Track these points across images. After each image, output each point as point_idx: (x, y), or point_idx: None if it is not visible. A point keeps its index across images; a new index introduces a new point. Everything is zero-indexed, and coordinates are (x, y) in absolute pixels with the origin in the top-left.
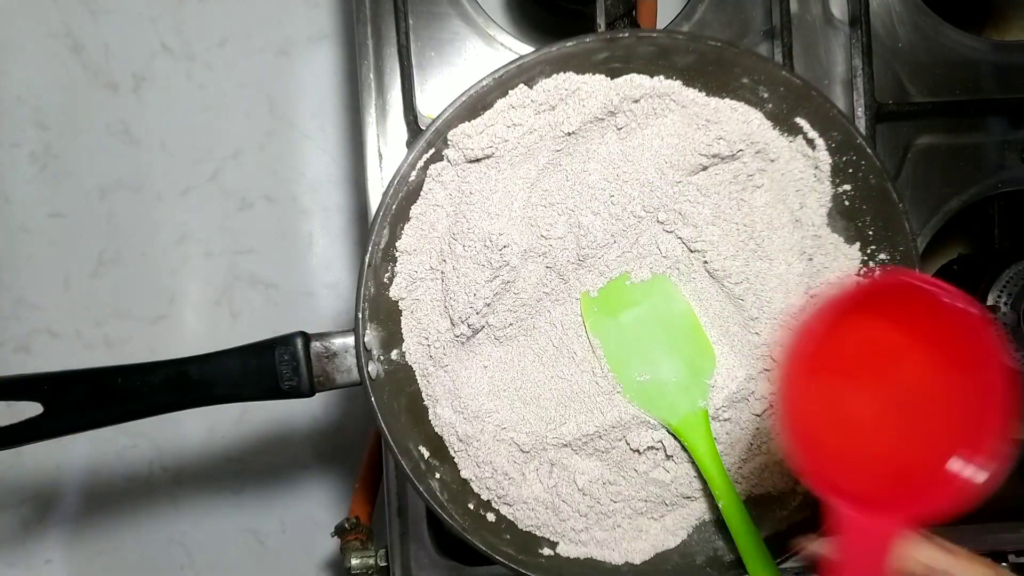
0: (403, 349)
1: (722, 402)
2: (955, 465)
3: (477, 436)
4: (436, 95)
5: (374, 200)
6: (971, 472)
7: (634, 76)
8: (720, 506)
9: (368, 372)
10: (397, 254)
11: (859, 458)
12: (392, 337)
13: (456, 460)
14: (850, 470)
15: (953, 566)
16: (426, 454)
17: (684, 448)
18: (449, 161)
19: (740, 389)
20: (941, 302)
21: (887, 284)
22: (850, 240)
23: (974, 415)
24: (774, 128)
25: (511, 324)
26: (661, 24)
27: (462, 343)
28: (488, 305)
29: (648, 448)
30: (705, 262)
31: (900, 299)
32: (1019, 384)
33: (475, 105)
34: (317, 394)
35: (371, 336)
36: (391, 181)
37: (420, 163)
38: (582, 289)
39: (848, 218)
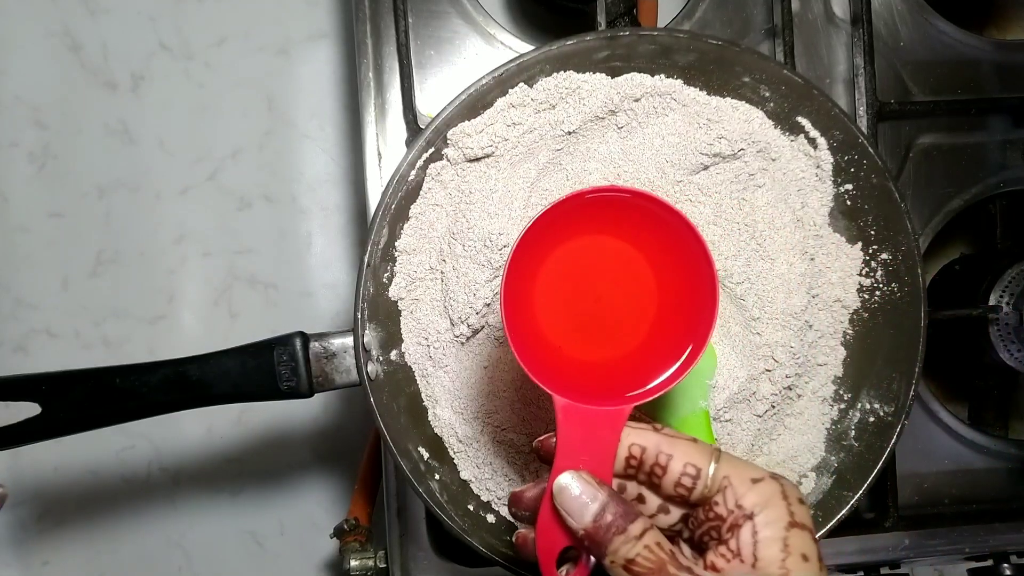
0: (402, 349)
1: (723, 403)
2: (667, 363)
3: (477, 437)
4: (436, 94)
5: (373, 200)
6: (677, 366)
7: (635, 75)
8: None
9: (367, 372)
10: (396, 254)
11: (588, 359)
12: (391, 337)
13: (456, 461)
14: (579, 370)
15: (662, 442)
16: (425, 455)
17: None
18: (449, 160)
19: (741, 390)
20: (654, 212)
21: (590, 195)
22: (852, 240)
23: (689, 314)
24: (776, 127)
25: None
26: (662, 22)
27: (462, 343)
28: (488, 305)
29: None
30: None
31: (623, 215)
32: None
33: (475, 104)
34: (316, 394)
35: (370, 336)
36: (390, 180)
37: (419, 162)
38: None
39: (850, 218)
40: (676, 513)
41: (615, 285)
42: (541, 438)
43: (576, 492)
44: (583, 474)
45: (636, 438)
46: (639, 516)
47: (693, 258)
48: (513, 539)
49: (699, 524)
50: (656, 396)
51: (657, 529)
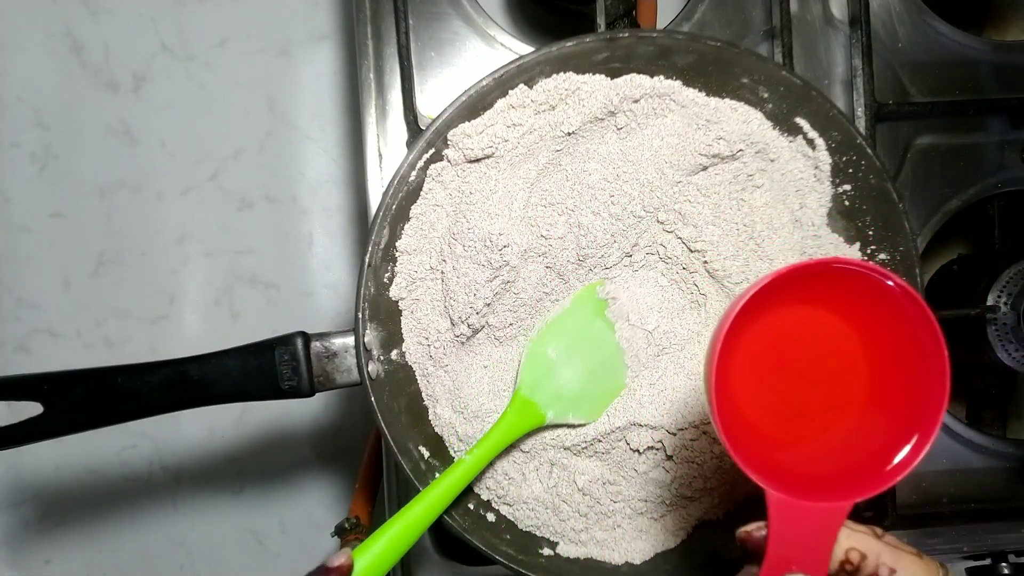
0: (403, 349)
1: None
2: (888, 451)
3: (477, 436)
4: (436, 95)
5: (374, 200)
6: (901, 456)
7: (634, 76)
8: (465, 458)
9: (368, 372)
10: (397, 254)
11: (795, 444)
12: (392, 337)
13: (456, 459)
14: (787, 456)
15: (884, 553)
16: (426, 454)
17: (685, 448)
18: (449, 161)
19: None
20: (882, 286)
21: (818, 267)
22: (850, 240)
23: (910, 399)
24: (774, 128)
25: (511, 324)
26: (661, 24)
27: (462, 343)
28: (488, 305)
29: (648, 448)
30: (705, 262)
31: (838, 285)
32: (949, 374)
33: (475, 105)
34: (317, 394)
35: (371, 336)
36: (391, 181)
37: (420, 163)
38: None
39: (848, 218)
40: None
41: (822, 363)
42: (749, 529)
43: None
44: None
45: (856, 542)
46: None
47: (916, 336)
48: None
49: None
50: (882, 491)
51: None
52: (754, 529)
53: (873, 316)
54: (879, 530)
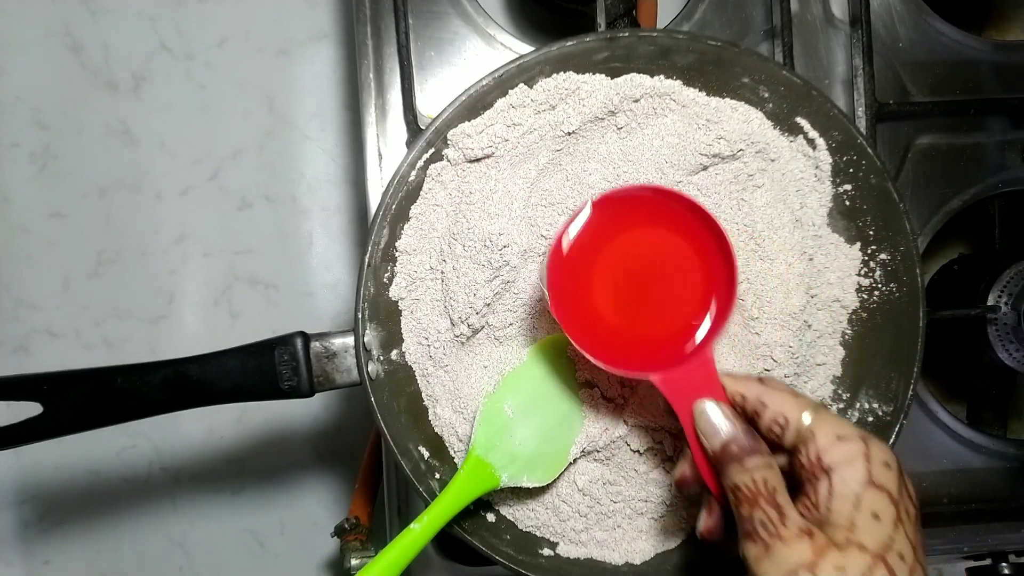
0: (403, 349)
1: None
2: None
3: None
4: (436, 95)
5: (374, 200)
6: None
7: (634, 76)
8: (414, 527)
9: (368, 372)
10: (397, 254)
11: (647, 338)
12: (392, 337)
13: (456, 460)
14: (633, 348)
15: (763, 393)
16: (426, 454)
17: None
18: (449, 161)
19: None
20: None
21: (617, 197)
22: (851, 240)
23: (716, 276)
24: (775, 128)
25: (511, 324)
26: (661, 24)
27: (462, 343)
28: (488, 305)
29: (648, 449)
30: None
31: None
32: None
33: (475, 105)
34: (317, 394)
35: (371, 336)
36: (391, 181)
37: (420, 163)
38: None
39: (849, 218)
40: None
41: (659, 268)
42: (676, 473)
43: (712, 417)
44: (721, 405)
45: (740, 387)
46: (759, 453)
47: (712, 235)
48: (673, 481)
49: (793, 472)
50: (718, 335)
51: (776, 470)
52: (679, 467)
53: (687, 224)
54: (765, 378)
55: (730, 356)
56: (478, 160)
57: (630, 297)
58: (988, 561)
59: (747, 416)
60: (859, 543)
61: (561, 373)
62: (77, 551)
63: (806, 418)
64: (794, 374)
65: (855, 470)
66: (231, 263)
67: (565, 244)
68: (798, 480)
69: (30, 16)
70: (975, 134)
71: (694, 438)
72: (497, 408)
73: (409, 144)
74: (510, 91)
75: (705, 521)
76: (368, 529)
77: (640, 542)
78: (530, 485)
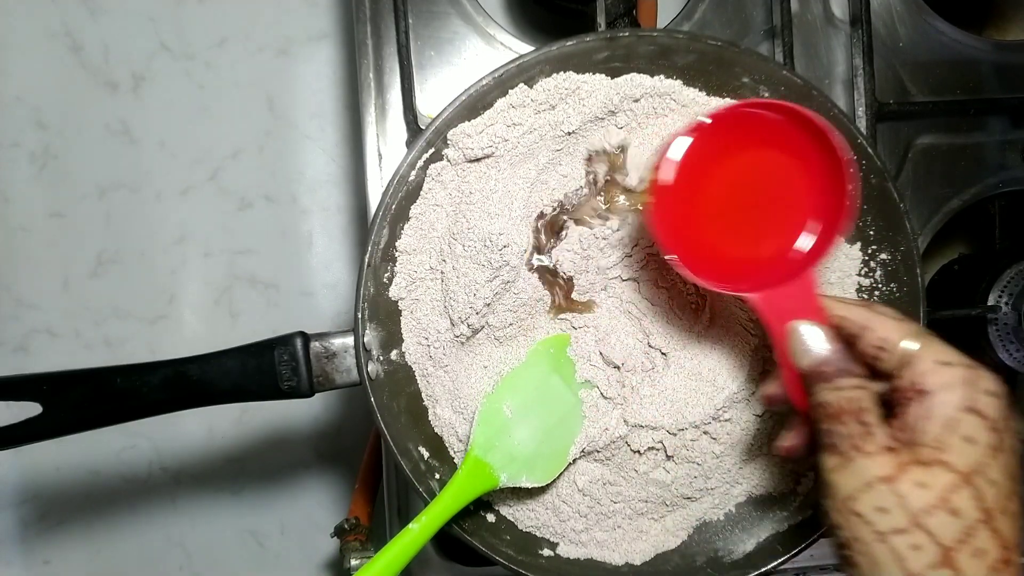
0: (403, 349)
1: (723, 402)
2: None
3: None
4: (436, 95)
5: (374, 200)
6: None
7: (634, 75)
8: (413, 527)
9: (368, 372)
10: (397, 254)
11: (748, 256)
12: (392, 337)
13: (456, 460)
14: (744, 267)
15: (866, 316)
16: (426, 454)
17: (685, 448)
18: (449, 161)
19: (741, 389)
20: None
21: (731, 112)
22: (851, 240)
23: (825, 197)
24: None
25: (511, 324)
26: (661, 23)
27: (462, 343)
28: (488, 305)
29: (649, 449)
30: None
31: (745, 122)
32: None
33: (475, 104)
34: (317, 394)
35: (371, 336)
36: (391, 181)
37: (420, 163)
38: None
39: None
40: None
41: (760, 191)
42: (764, 390)
43: (805, 338)
44: (816, 326)
45: (842, 310)
46: (851, 374)
47: (827, 150)
48: (761, 397)
49: (891, 397)
50: (824, 253)
51: (869, 391)
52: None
53: (794, 141)
54: (870, 302)
55: (730, 356)
56: (478, 160)
57: (733, 217)
58: None
59: (846, 339)
60: (945, 462)
61: (560, 373)
62: (77, 551)
63: (910, 343)
64: None
65: (954, 394)
66: (231, 263)
67: (668, 166)
68: (894, 405)
69: (30, 16)
70: (975, 134)
71: (785, 357)
72: (496, 408)
73: (409, 144)
74: (510, 91)
75: (789, 439)
76: (368, 529)
77: (640, 542)
78: (529, 485)
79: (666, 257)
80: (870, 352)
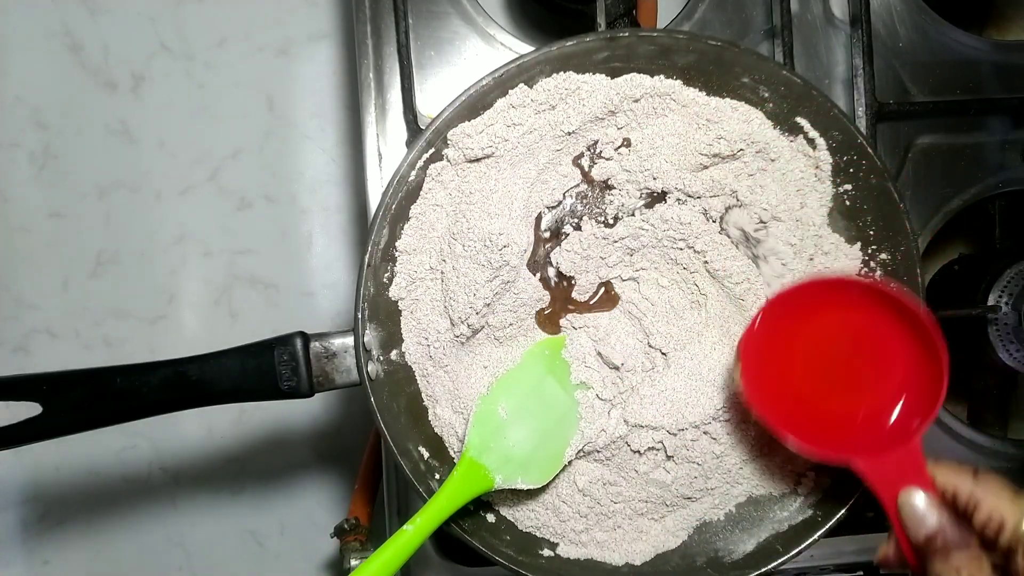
0: (403, 349)
1: (724, 402)
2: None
3: None
4: (436, 95)
5: (374, 200)
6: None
7: (634, 75)
8: (407, 528)
9: (367, 372)
10: (397, 254)
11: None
12: (392, 337)
13: (456, 460)
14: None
15: (977, 490)
16: (426, 454)
17: (685, 449)
18: (449, 161)
19: (741, 390)
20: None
21: (831, 282)
22: (851, 240)
23: (916, 372)
24: (775, 128)
25: (511, 324)
26: (661, 23)
27: (462, 343)
28: (488, 305)
29: (649, 449)
30: (705, 262)
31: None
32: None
33: (475, 104)
34: (316, 394)
35: (370, 336)
36: (391, 181)
37: (420, 163)
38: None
39: (849, 218)
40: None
41: (847, 354)
42: (879, 553)
43: (918, 508)
44: (929, 495)
45: (952, 480)
46: (967, 547)
47: (918, 330)
48: (876, 560)
49: (1008, 572)
50: (928, 424)
51: (984, 564)
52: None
53: (884, 310)
54: (979, 470)
55: (731, 356)
56: (478, 160)
57: (823, 380)
58: None
59: (959, 509)
60: None
61: (556, 375)
62: (77, 551)
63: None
64: None
65: None
66: (231, 263)
67: (751, 337)
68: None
69: (30, 16)
70: (975, 134)
71: (899, 524)
72: (491, 410)
73: (409, 144)
74: (510, 91)
75: (887, 549)
76: (368, 529)
77: (640, 542)
78: (524, 487)
79: (784, 439)
80: (986, 526)
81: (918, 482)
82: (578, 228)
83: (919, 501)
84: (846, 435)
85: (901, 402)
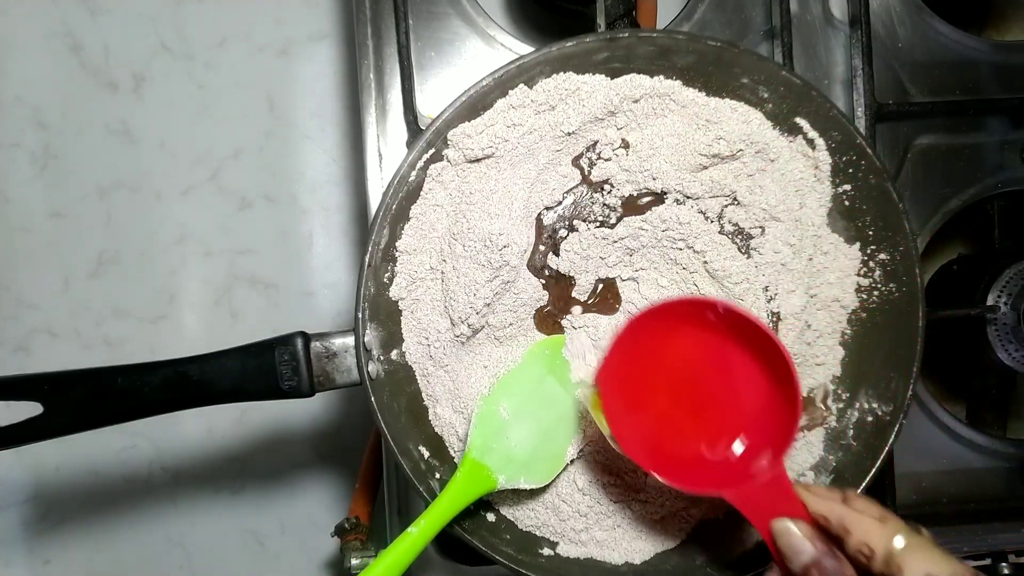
0: (403, 349)
1: None
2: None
3: None
4: (436, 95)
5: (374, 200)
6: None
7: (634, 76)
8: (412, 531)
9: (368, 372)
10: (397, 254)
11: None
12: (392, 337)
13: (456, 460)
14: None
15: (845, 516)
16: (426, 454)
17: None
18: (449, 161)
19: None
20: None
21: (669, 307)
22: (850, 240)
23: (773, 397)
24: (774, 128)
25: (511, 324)
26: (661, 24)
27: (462, 343)
28: (488, 305)
29: None
30: (705, 262)
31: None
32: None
33: (475, 105)
34: (317, 394)
35: (371, 336)
36: (391, 181)
37: (420, 163)
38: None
39: (848, 218)
40: None
41: (705, 381)
42: None
43: (792, 538)
44: (801, 524)
45: (822, 508)
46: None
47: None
48: None
49: None
50: (786, 451)
51: None
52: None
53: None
54: (849, 495)
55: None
56: (478, 160)
57: (686, 409)
58: (988, 561)
59: (831, 535)
60: None
61: (556, 374)
62: (77, 551)
63: (897, 542)
64: None
65: None
66: (231, 263)
67: (608, 366)
68: None
69: (30, 16)
70: (974, 134)
71: (775, 552)
72: (492, 411)
73: (409, 144)
74: (510, 91)
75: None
76: (368, 529)
77: (640, 542)
78: (527, 487)
79: (653, 476)
80: (857, 554)
81: (790, 510)
82: (577, 228)
83: (791, 530)
84: (713, 465)
85: (764, 427)
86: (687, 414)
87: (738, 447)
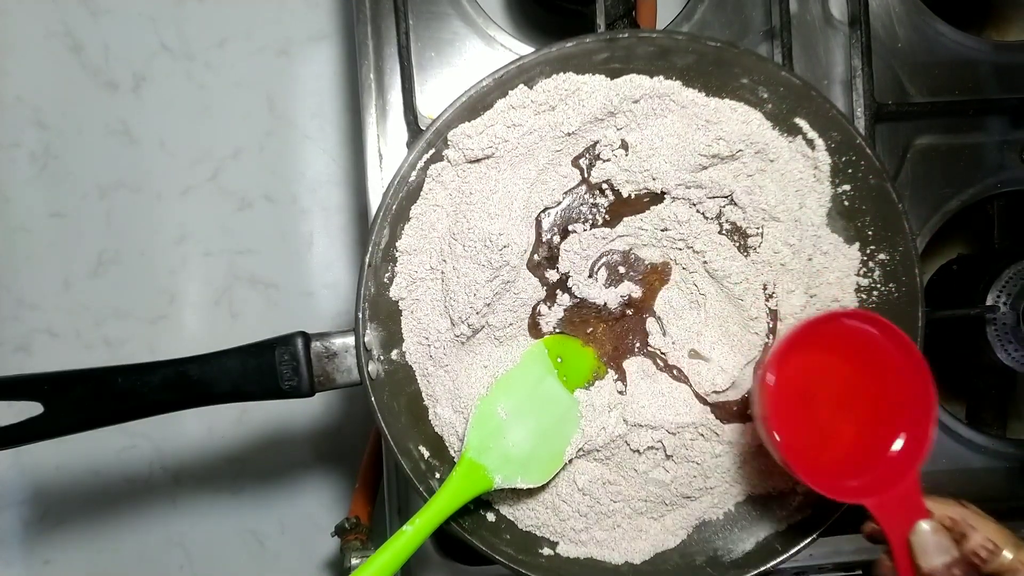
0: (403, 349)
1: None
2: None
3: None
4: (436, 95)
5: (374, 200)
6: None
7: (634, 76)
8: (407, 529)
9: (368, 372)
10: (397, 254)
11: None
12: (392, 337)
13: (456, 460)
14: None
15: (969, 516)
16: (426, 454)
17: (685, 448)
18: (449, 161)
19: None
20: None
21: (820, 322)
22: (850, 240)
23: (907, 405)
24: (774, 128)
25: (511, 324)
26: (661, 24)
27: (462, 343)
28: (488, 305)
29: (648, 448)
30: (705, 262)
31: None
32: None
33: (475, 105)
34: (317, 394)
35: (371, 336)
36: (391, 181)
37: (420, 163)
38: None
39: (848, 218)
40: None
41: (843, 393)
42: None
43: (933, 539)
44: (940, 527)
45: (948, 511)
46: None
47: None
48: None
49: None
50: (922, 459)
51: None
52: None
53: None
54: (964, 502)
55: (730, 355)
56: (478, 160)
57: (830, 417)
58: None
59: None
60: None
61: (555, 374)
62: (77, 551)
63: (1009, 552)
64: None
65: None
66: (231, 263)
67: (772, 377)
68: None
69: (30, 16)
70: (974, 134)
71: (906, 558)
72: (490, 410)
73: (409, 144)
74: (510, 92)
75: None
76: (368, 529)
77: (640, 541)
78: (524, 486)
79: (812, 486)
80: (976, 552)
81: (920, 516)
82: (577, 229)
83: (934, 532)
84: (853, 471)
85: (900, 437)
86: (832, 424)
87: (878, 452)
